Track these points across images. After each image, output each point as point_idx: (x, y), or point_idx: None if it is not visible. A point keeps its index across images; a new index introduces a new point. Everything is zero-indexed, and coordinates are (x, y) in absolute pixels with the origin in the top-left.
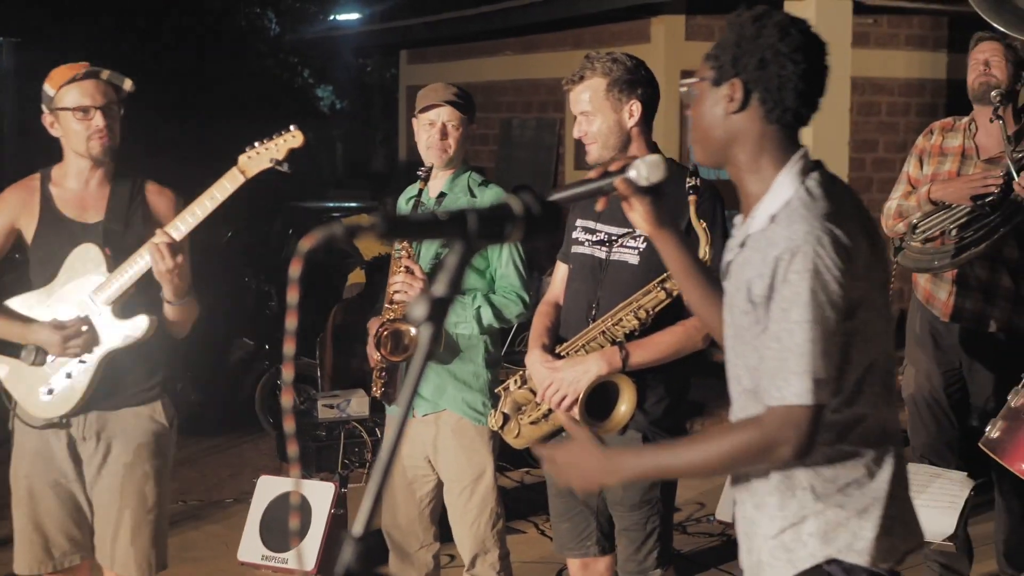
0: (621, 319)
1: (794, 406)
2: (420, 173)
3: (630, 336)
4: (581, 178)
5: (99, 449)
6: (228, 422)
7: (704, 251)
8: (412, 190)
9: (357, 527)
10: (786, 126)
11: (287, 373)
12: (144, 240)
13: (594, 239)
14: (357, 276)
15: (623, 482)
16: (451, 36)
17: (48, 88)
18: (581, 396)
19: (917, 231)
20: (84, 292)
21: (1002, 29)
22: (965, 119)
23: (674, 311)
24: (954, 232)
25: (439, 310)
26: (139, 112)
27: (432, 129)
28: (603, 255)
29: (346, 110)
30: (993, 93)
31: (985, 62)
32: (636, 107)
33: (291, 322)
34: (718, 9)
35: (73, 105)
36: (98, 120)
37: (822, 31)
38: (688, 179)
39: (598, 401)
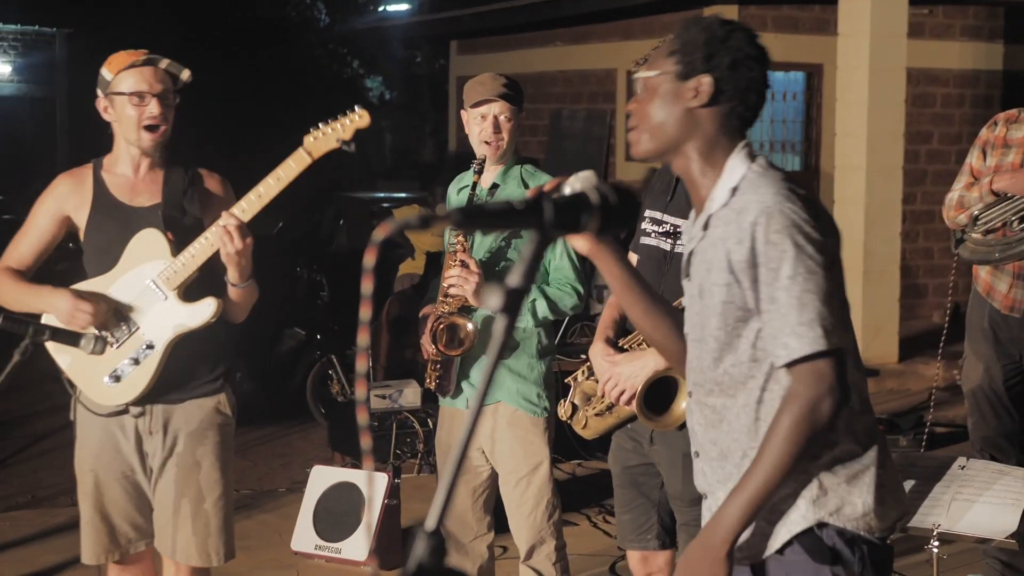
0: None
1: (812, 357)
2: (474, 166)
3: None
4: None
5: (166, 442)
6: (279, 412)
7: None
8: (463, 179)
9: (430, 522)
10: (742, 126)
11: (360, 364)
12: (200, 224)
13: (660, 230)
14: (408, 267)
15: (735, 539)
16: (500, 26)
17: (106, 72)
18: (639, 391)
19: (979, 222)
20: (148, 278)
21: None
22: None
23: None
24: (1016, 223)
25: (514, 301)
26: (190, 102)
27: (485, 123)
28: (668, 247)
29: (395, 101)
30: None
31: None
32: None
33: (365, 313)
34: (771, 0)
35: (129, 90)
36: (153, 107)
37: (878, 21)
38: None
39: (659, 395)
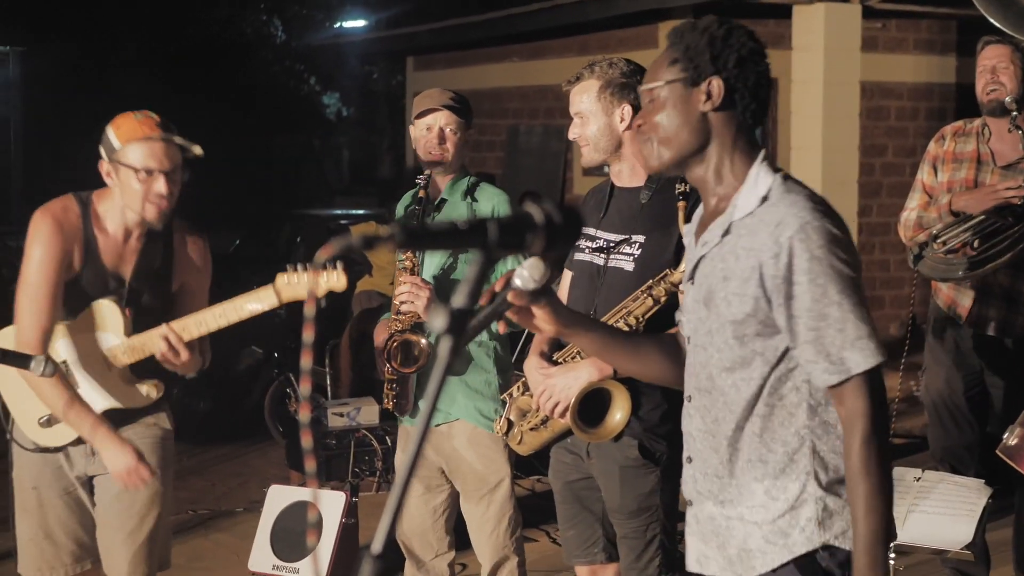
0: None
1: (868, 371)
2: (419, 180)
3: None
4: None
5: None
6: (237, 431)
7: None
8: (411, 196)
9: (376, 545)
10: (754, 124)
11: (304, 388)
12: (169, 295)
13: (593, 246)
14: (366, 283)
15: None
16: (457, 42)
17: (113, 138)
18: (573, 402)
19: (938, 241)
20: (98, 346)
21: (1008, 31)
22: (977, 122)
23: (665, 317)
24: (976, 243)
25: (459, 322)
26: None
27: (430, 134)
28: (601, 262)
29: (352, 117)
30: (1008, 99)
31: (992, 69)
32: (627, 111)
33: (308, 335)
34: (726, 14)
35: (138, 165)
36: (160, 185)
37: (831, 36)
38: (677, 185)
39: (594, 408)
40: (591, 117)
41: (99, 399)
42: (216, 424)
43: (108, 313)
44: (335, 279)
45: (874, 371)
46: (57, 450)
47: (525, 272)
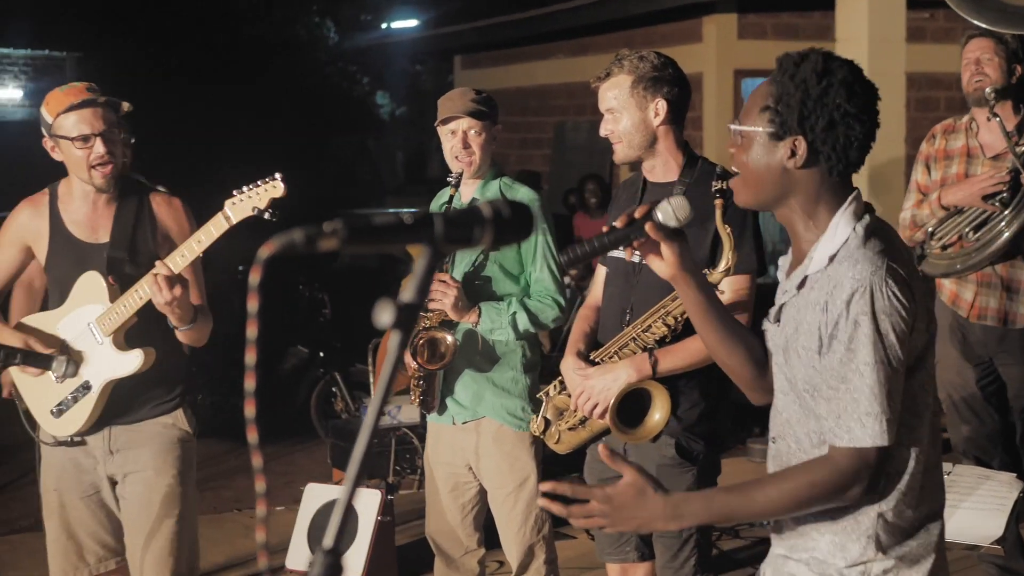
0: (650, 326)
1: (869, 448)
2: (450, 179)
3: (661, 342)
4: (603, 229)
5: (127, 459)
6: (283, 430)
7: (728, 257)
8: (444, 195)
9: (328, 540)
10: (845, 178)
11: (249, 383)
12: (151, 258)
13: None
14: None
15: (691, 525)
16: (503, 40)
17: (45, 114)
18: (612, 404)
19: (934, 237)
20: (87, 320)
21: (985, 26)
22: (965, 118)
23: None
24: (970, 234)
25: (407, 316)
26: (201, 122)
27: (455, 139)
28: (636, 259)
29: (405, 117)
30: (988, 90)
31: (976, 61)
32: (662, 105)
33: (252, 331)
34: (770, 7)
35: (74, 133)
36: (99, 147)
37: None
38: (715, 182)
39: (632, 408)
40: (623, 112)
41: (97, 373)
42: (262, 423)
43: (91, 284)
44: (273, 189)
45: (873, 451)
46: (74, 443)
47: (670, 208)
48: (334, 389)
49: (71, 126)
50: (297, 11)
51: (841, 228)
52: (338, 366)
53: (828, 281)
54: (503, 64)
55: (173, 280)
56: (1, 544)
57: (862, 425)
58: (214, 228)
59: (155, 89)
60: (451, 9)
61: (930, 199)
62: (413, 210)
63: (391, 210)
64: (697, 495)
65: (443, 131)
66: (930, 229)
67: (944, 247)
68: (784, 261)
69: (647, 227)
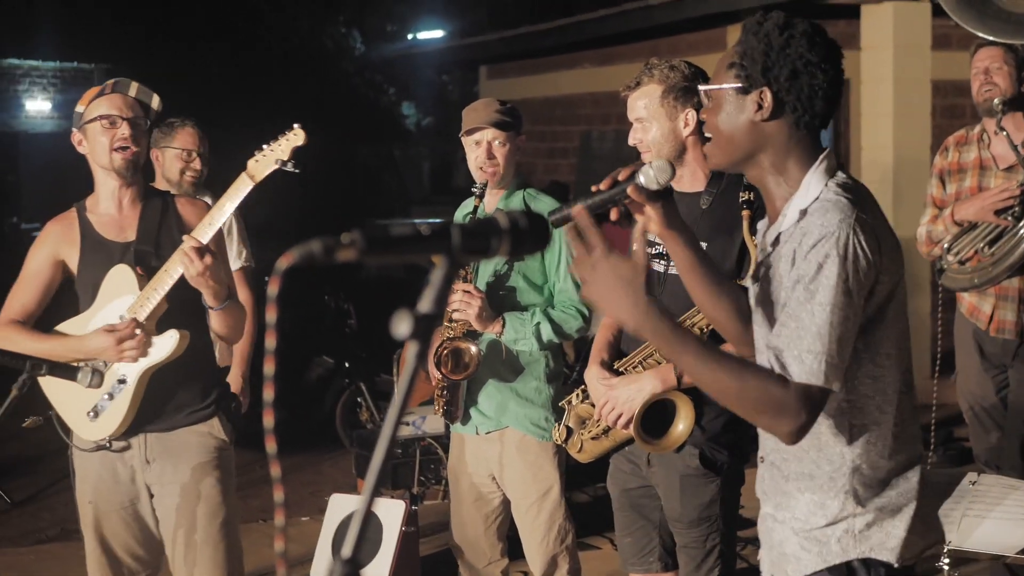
0: None
1: (811, 385)
2: (475, 190)
3: None
4: (590, 191)
5: (164, 470)
6: (309, 440)
7: (755, 268)
8: (468, 206)
9: (346, 549)
10: (813, 130)
11: (268, 393)
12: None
13: (653, 252)
14: None
15: (639, 333)
16: (528, 50)
17: (79, 107)
18: (636, 415)
19: (951, 252)
20: (118, 312)
21: (989, 37)
22: (977, 128)
23: None
24: (985, 249)
25: (424, 327)
26: (227, 133)
27: (479, 149)
28: (661, 269)
29: (431, 127)
30: (996, 101)
31: (985, 70)
32: (691, 116)
33: (271, 342)
34: (798, 15)
35: (100, 113)
36: (124, 130)
37: (900, 34)
38: (741, 193)
39: (656, 418)
40: (653, 122)
41: (133, 364)
42: (288, 433)
43: (121, 277)
44: (294, 137)
45: (816, 390)
46: (112, 448)
47: (652, 171)
48: (359, 399)
49: (99, 109)
50: (324, 22)
51: (813, 185)
52: (363, 376)
53: (799, 233)
54: (529, 74)
55: (203, 251)
56: (28, 554)
57: (800, 361)
58: (238, 190)
59: (182, 99)
60: (477, 19)
61: (944, 215)
62: (434, 220)
63: (416, 220)
64: (670, 321)
65: (467, 141)
66: (946, 245)
67: (961, 262)
68: (763, 224)
69: (629, 190)
